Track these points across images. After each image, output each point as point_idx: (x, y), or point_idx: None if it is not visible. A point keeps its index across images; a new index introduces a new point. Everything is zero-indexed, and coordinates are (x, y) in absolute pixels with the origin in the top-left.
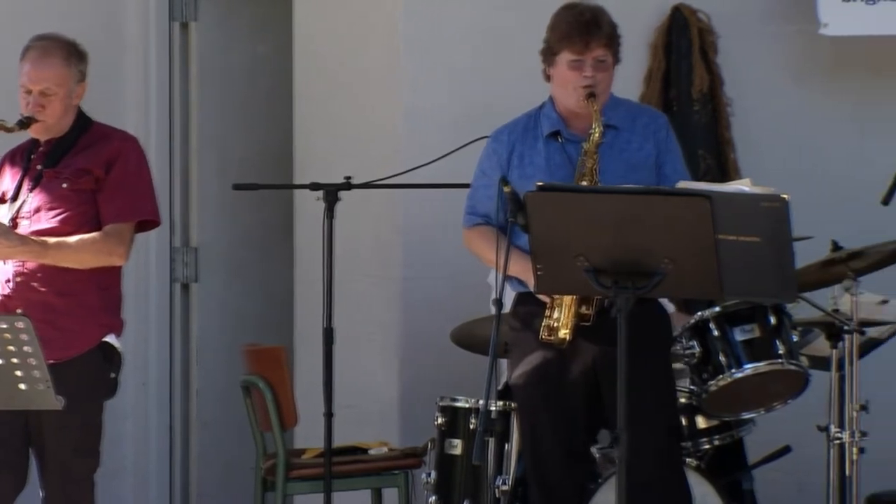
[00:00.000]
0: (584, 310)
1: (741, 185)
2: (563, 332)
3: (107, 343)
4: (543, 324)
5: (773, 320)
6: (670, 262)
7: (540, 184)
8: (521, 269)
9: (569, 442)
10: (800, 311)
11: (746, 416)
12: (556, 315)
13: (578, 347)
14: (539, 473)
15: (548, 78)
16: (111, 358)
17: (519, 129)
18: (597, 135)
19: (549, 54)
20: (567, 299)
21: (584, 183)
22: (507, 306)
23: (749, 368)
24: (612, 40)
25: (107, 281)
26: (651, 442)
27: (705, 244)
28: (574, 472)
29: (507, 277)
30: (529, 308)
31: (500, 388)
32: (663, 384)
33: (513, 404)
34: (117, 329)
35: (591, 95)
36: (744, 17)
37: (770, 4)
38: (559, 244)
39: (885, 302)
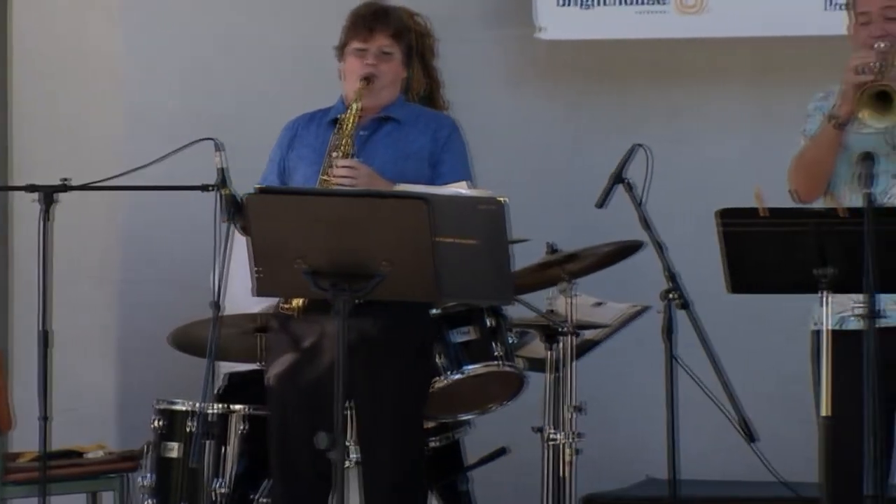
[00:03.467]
0: None
1: (458, 188)
2: (297, 301)
3: None
4: None
5: (489, 322)
6: (389, 264)
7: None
8: None
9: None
10: (517, 312)
11: (463, 417)
12: None
13: (329, 346)
14: (287, 474)
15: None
16: None
17: (306, 118)
18: (355, 108)
19: (340, 49)
20: None
21: (336, 154)
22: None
23: (466, 370)
24: (399, 35)
25: None
26: (390, 446)
27: (423, 246)
28: (323, 473)
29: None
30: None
31: (218, 391)
32: (408, 389)
33: (233, 407)
34: None
35: (366, 78)
36: (462, 20)
37: (488, 8)
38: (279, 247)
39: (600, 304)
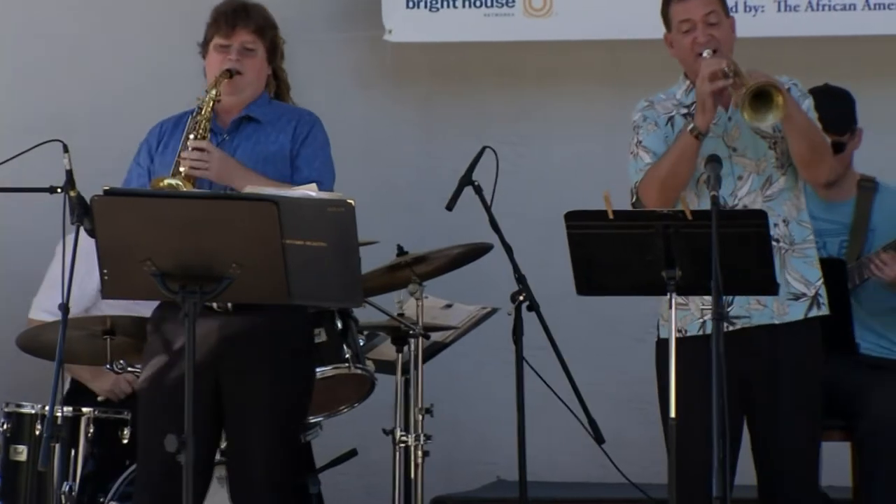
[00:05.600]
0: None
1: (308, 191)
2: None
3: None
4: None
5: (339, 325)
6: (238, 266)
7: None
8: None
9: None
10: (366, 315)
11: (313, 420)
12: None
13: (200, 348)
14: (151, 483)
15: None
16: None
17: (172, 121)
18: (213, 93)
19: (203, 46)
20: None
21: (192, 137)
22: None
23: (317, 373)
24: (262, 31)
25: None
26: (269, 445)
27: (272, 249)
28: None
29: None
30: (162, 313)
31: (65, 394)
32: (292, 388)
33: (81, 409)
34: None
35: (226, 72)
36: (310, 22)
37: (336, 10)
38: (127, 248)
39: (449, 306)
